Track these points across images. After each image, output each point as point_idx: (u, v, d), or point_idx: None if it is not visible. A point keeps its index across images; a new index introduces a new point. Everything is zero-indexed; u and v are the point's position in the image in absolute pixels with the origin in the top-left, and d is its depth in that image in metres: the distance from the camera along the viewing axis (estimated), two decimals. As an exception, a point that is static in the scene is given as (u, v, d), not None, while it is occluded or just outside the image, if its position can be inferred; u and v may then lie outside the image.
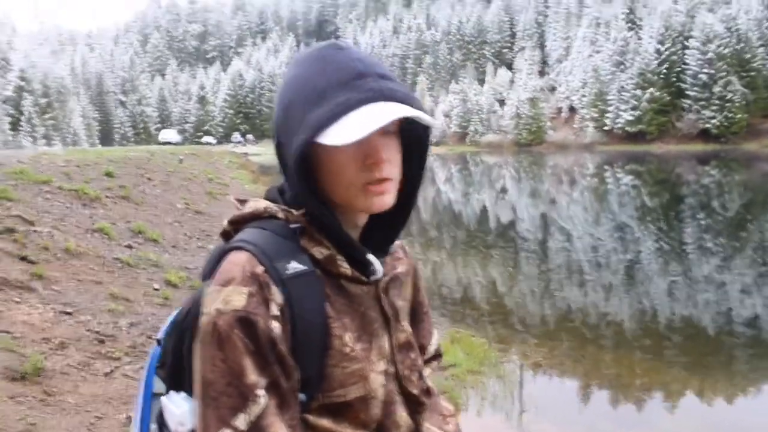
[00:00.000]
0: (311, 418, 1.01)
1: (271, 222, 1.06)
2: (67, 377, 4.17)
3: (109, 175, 13.24)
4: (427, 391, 1.23)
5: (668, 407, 6.35)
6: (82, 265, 6.84)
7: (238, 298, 0.95)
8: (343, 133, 0.96)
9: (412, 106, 1.01)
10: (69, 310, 5.42)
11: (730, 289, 10.85)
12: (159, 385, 1.17)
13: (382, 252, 1.13)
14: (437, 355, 1.40)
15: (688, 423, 5.94)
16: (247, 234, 1.05)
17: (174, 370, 1.12)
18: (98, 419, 3.67)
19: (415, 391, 1.14)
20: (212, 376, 0.93)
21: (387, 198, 1.04)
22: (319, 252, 1.04)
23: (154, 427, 1.15)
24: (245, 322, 0.93)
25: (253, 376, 0.93)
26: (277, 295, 0.97)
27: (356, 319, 1.06)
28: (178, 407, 1.07)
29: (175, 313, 1.26)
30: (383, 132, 1.02)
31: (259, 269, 0.97)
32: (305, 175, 1.03)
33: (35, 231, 7.30)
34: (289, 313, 0.97)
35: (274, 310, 0.96)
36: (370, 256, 1.09)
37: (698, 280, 11.61)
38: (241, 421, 0.92)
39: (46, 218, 8.14)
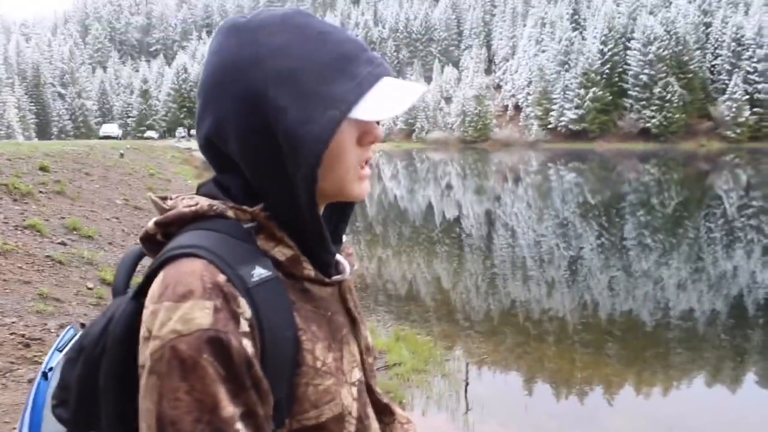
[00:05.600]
0: None
1: (218, 222, 0.88)
2: (-15, 384, 3.93)
3: (43, 169, 12.74)
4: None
5: (608, 401, 6.43)
6: (8, 264, 6.52)
7: (201, 314, 0.77)
8: (379, 107, 0.89)
9: None
10: (-8, 311, 5.14)
11: (667, 284, 11.11)
12: (52, 427, 0.97)
13: (338, 245, 1.02)
14: None
15: (627, 416, 6.03)
16: (192, 237, 0.86)
17: (81, 407, 0.92)
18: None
19: (384, 399, 1.04)
20: (175, 414, 0.75)
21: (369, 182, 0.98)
22: (281, 252, 0.90)
23: None
24: (216, 343, 0.77)
25: (229, 407, 0.76)
26: (245, 308, 0.81)
27: (323, 327, 0.92)
28: None
29: (66, 336, 1.06)
30: None
31: (221, 278, 0.81)
32: (319, 158, 0.88)
33: (-42, 228, 6.93)
34: (258, 329, 0.82)
35: (244, 326, 0.80)
36: (338, 255, 0.99)
37: (637, 275, 11.87)
38: None
39: (-29, 214, 7.76)
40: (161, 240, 0.92)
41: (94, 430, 0.90)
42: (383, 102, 0.90)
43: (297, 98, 0.87)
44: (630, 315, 9.36)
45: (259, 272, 0.84)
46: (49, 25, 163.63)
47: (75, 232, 8.90)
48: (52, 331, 5.13)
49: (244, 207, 0.89)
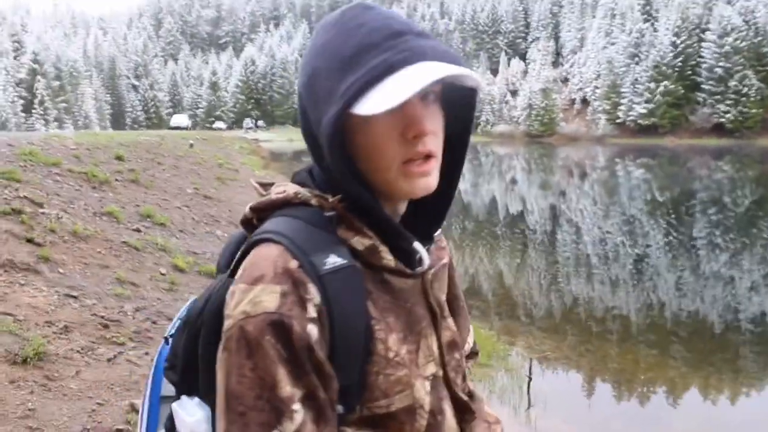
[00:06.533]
0: (350, 431, 0.90)
1: (302, 209, 0.93)
2: (69, 362, 4.16)
3: (119, 158, 13.26)
4: (470, 395, 1.13)
5: (673, 403, 6.31)
6: (89, 249, 6.84)
7: (269, 298, 0.82)
8: (380, 100, 0.82)
9: (458, 66, 0.86)
10: (74, 293, 5.43)
11: (738, 286, 10.76)
12: (168, 388, 1.06)
13: (427, 240, 1.00)
14: (473, 353, 1.28)
15: (693, 420, 5.90)
16: (275, 224, 0.91)
17: (186, 373, 1.00)
18: (100, 405, 3.66)
19: (464, 396, 1.04)
20: (239, 389, 0.81)
21: (431, 179, 0.91)
22: (360, 242, 0.91)
23: None
24: (278, 326, 0.81)
25: (287, 387, 0.81)
26: (314, 294, 0.84)
27: (401, 318, 0.94)
28: (191, 415, 0.96)
29: (185, 306, 1.14)
30: (426, 100, 0.90)
31: (293, 264, 0.85)
32: (340, 153, 0.88)
33: (43, 213, 7.31)
34: (328, 315, 0.84)
35: (311, 311, 0.83)
36: (417, 245, 0.96)
37: (706, 276, 11.52)
38: None
39: (55, 200, 8.15)
40: (256, 224, 0.97)
41: (195, 394, 0.98)
42: (386, 94, 0.83)
43: (314, 99, 0.90)
44: (697, 317, 9.12)
45: (333, 260, 0.87)
46: (124, 19, 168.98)
47: (149, 220, 9.24)
48: (129, 313, 5.38)
49: (327, 196, 0.92)
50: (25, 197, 7.58)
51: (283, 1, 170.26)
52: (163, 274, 6.88)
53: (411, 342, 0.94)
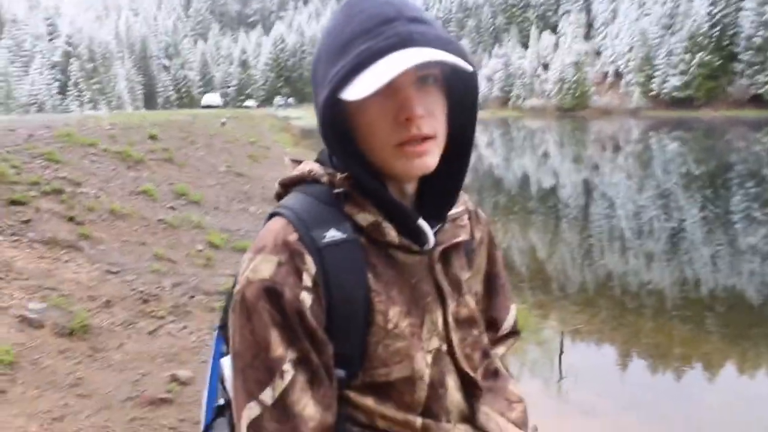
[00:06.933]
0: (353, 395, 0.95)
1: (314, 186, 0.99)
2: (112, 334, 4.30)
3: (153, 138, 13.44)
4: (495, 373, 1.14)
5: (709, 378, 6.26)
6: (126, 226, 7.00)
7: (266, 266, 0.89)
8: (364, 85, 0.86)
9: (447, 50, 0.88)
10: (115, 269, 5.58)
11: (777, 260, 10.57)
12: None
13: (439, 219, 1.02)
14: (513, 332, 1.29)
15: (728, 394, 5.84)
16: (289, 199, 0.99)
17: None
18: (142, 376, 3.79)
19: (471, 373, 1.04)
20: (241, 348, 0.89)
21: (428, 159, 0.93)
22: (364, 218, 0.95)
23: (222, 386, 1.12)
24: (271, 293, 0.88)
25: (279, 349, 0.87)
26: (310, 264, 0.90)
27: (406, 292, 0.97)
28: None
29: None
30: (424, 83, 0.92)
31: (293, 237, 0.91)
32: (335, 135, 0.94)
33: (82, 192, 7.49)
34: (324, 285, 0.90)
35: (306, 280, 0.89)
36: (422, 222, 0.98)
37: (743, 250, 11.33)
38: (268, 395, 0.87)
39: (92, 180, 8.34)
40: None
41: None
42: (369, 79, 0.86)
43: (316, 82, 0.97)
44: (734, 291, 8.98)
45: (332, 234, 0.93)
46: (154, 0, 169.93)
47: (183, 198, 9.39)
48: (167, 288, 5.51)
49: (337, 174, 0.97)
50: (65, 177, 7.77)
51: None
52: (199, 251, 7.01)
53: (415, 316, 0.97)
